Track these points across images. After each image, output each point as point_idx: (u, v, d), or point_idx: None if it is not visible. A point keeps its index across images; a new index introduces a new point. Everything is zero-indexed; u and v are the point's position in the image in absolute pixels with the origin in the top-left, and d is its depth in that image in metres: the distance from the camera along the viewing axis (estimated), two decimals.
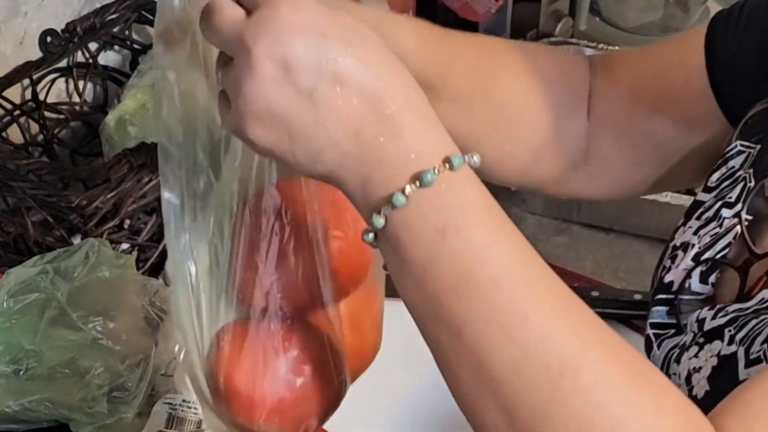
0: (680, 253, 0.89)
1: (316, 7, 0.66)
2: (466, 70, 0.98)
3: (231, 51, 0.67)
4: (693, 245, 0.88)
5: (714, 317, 0.81)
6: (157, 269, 1.31)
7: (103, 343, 1.10)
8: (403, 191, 0.65)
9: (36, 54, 1.40)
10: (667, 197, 1.41)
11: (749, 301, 0.79)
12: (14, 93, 1.39)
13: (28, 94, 1.42)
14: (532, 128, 0.99)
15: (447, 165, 0.65)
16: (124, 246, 1.28)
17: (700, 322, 0.82)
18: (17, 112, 1.39)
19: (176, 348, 0.84)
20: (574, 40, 1.68)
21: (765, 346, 0.74)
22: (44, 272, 1.12)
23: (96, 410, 1.08)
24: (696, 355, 0.81)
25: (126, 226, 1.28)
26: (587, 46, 1.68)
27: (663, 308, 0.87)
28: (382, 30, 0.87)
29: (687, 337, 0.83)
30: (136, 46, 1.49)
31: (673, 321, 0.85)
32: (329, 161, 0.66)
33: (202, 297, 0.82)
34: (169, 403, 1.09)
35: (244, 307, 0.81)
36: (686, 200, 1.41)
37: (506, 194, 1.51)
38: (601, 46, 1.67)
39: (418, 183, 0.65)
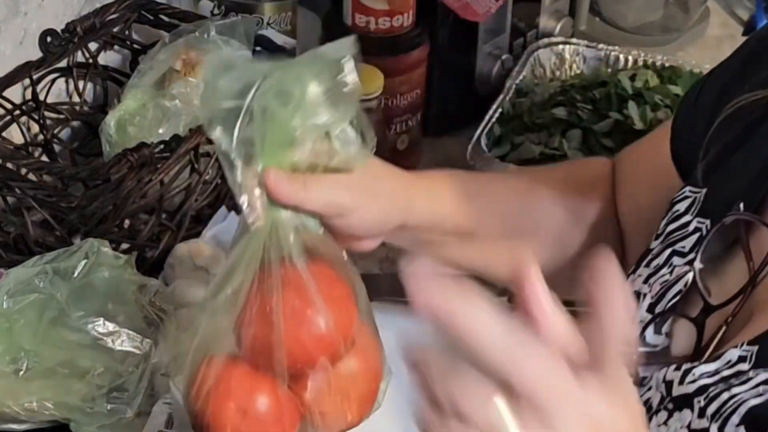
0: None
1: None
2: (502, 215, 1.03)
3: (532, 392, 0.58)
4: (644, 295, 0.87)
5: (681, 381, 0.80)
6: (156, 269, 1.30)
7: (102, 344, 1.10)
8: None
9: (36, 54, 1.40)
10: None
11: (714, 362, 0.78)
12: (14, 93, 1.39)
13: (28, 94, 1.42)
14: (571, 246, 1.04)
15: None
16: (124, 246, 1.28)
17: (668, 384, 0.81)
18: (17, 112, 1.39)
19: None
20: (574, 40, 1.68)
21: (741, 429, 0.73)
22: (44, 273, 1.12)
23: (96, 410, 1.08)
24: (666, 422, 0.80)
25: (126, 227, 1.28)
26: (587, 47, 1.68)
27: None
28: (418, 200, 0.97)
29: (653, 397, 0.82)
30: (136, 46, 1.49)
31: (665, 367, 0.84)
32: None
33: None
34: (169, 403, 1.09)
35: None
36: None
37: None
38: (601, 46, 1.67)
39: None
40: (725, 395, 0.75)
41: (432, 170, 1.04)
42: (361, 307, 0.87)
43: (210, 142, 1.29)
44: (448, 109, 1.62)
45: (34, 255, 1.19)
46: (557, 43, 1.67)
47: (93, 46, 1.47)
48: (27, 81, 1.40)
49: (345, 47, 0.85)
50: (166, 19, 1.47)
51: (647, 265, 0.90)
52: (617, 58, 1.66)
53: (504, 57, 1.62)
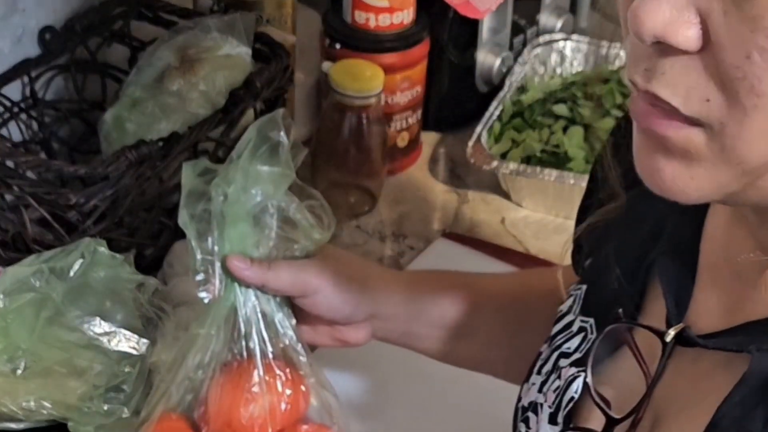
0: (531, 415, 0.85)
1: None
2: (494, 309, 1.06)
3: None
4: (542, 405, 0.85)
5: None
6: (155, 267, 1.30)
7: (98, 344, 1.10)
8: None
9: (35, 51, 1.40)
10: None
11: None
12: (13, 90, 1.39)
13: (27, 92, 1.41)
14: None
15: None
16: (123, 243, 1.28)
17: None
18: (16, 109, 1.39)
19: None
20: (575, 37, 1.68)
21: None
22: (40, 272, 1.11)
23: (93, 410, 1.08)
24: None
25: (124, 224, 1.27)
26: (588, 43, 1.67)
27: None
28: (393, 287, 1.03)
29: None
30: (135, 43, 1.49)
31: None
32: None
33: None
34: None
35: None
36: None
37: (506, 192, 1.51)
38: (602, 43, 1.67)
39: None
40: None
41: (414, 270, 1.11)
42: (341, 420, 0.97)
43: (209, 139, 1.29)
44: (449, 106, 1.61)
45: (32, 253, 1.19)
46: (558, 40, 1.67)
47: (92, 43, 1.47)
48: (26, 78, 1.40)
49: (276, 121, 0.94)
50: (165, 16, 1.46)
51: (539, 372, 0.87)
52: (618, 55, 1.65)
53: (504, 54, 1.62)
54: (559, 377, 0.83)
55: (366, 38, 1.49)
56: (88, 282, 1.12)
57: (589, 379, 0.77)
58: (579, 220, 0.94)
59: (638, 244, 0.82)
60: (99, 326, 1.11)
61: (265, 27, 1.47)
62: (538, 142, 1.50)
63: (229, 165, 0.92)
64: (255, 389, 0.92)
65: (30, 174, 1.28)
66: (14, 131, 1.39)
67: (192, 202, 0.91)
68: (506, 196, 1.51)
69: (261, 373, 0.92)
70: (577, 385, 0.81)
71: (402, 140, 1.55)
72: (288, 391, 0.94)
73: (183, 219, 0.92)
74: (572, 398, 0.81)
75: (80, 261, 1.13)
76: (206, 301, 0.93)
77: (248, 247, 0.93)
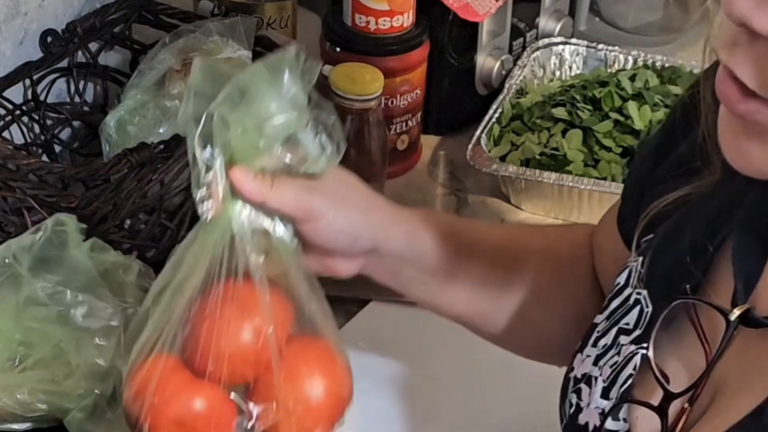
0: (584, 386, 0.86)
1: None
2: (489, 260, 1.02)
3: None
4: (596, 378, 0.85)
5: None
6: (156, 269, 1.30)
7: (70, 318, 1.09)
8: None
9: (36, 54, 1.40)
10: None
11: None
12: (15, 93, 1.39)
13: (29, 95, 1.42)
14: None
15: None
16: (124, 246, 1.28)
17: None
18: (18, 112, 1.40)
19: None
20: (574, 41, 1.68)
21: None
22: (8, 249, 1.11)
23: (87, 404, 1.08)
24: None
25: (126, 227, 1.28)
26: (587, 47, 1.68)
27: None
28: (395, 228, 0.97)
29: None
30: (136, 46, 1.49)
31: None
32: None
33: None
34: None
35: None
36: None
37: (506, 195, 1.51)
38: (601, 46, 1.68)
39: None
40: None
41: (415, 208, 1.03)
42: (328, 332, 0.89)
43: None
44: (448, 109, 1.62)
45: None
46: (557, 44, 1.67)
47: (93, 46, 1.47)
48: (27, 81, 1.41)
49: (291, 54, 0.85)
50: (166, 19, 1.47)
51: (594, 345, 0.87)
52: (617, 59, 1.66)
53: (504, 57, 1.62)
54: (618, 354, 0.84)
55: (366, 41, 1.50)
56: (55, 254, 1.11)
57: (650, 353, 0.79)
58: (641, 191, 0.93)
59: (709, 219, 0.82)
60: (66, 297, 1.09)
61: (265, 30, 1.48)
62: (537, 145, 1.50)
63: (243, 76, 0.83)
64: (241, 314, 0.85)
65: (32, 176, 1.29)
66: (16, 134, 1.40)
67: (198, 103, 0.83)
68: (506, 198, 1.51)
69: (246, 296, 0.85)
70: (636, 361, 0.82)
71: (402, 143, 1.55)
72: (272, 313, 0.86)
73: (185, 120, 0.83)
74: (630, 374, 0.82)
75: (41, 234, 1.11)
76: (207, 218, 0.85)
77: (252, 160, 0.85)
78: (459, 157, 1.56)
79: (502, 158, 1.51)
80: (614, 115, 1.50)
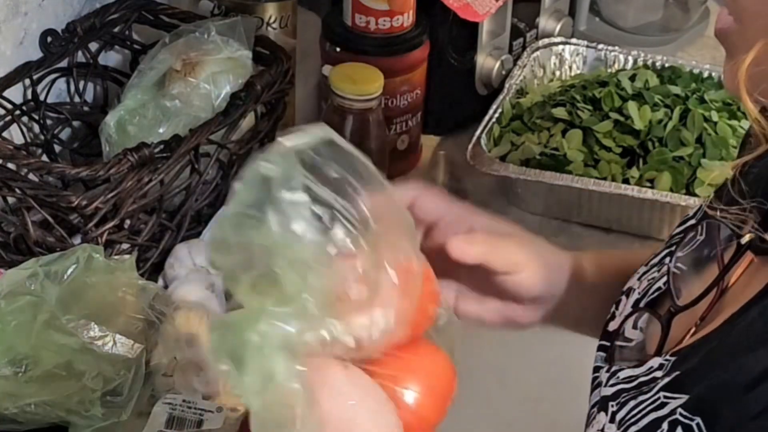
0: (623, 298, 0.89)
1: None
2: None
3: None
4: (634, 290, 0.88)
5: (606, 383, 0.81)
6: (156, 269, 1.31)
7: (95, 349, 1.10)
8: None
9: (36, 54, 1.40)
10: (667, 197, 1.41)
11: (639, 368, 0.79)
12: (15, 93, 1.39)
13: (29, 94, 1.42)
14: None
15: None
16: (124, 246, 1.28)
17: (597, 385, 0.83)
18: (18, 112, 1.39)
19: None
20: (574, 41, 1.68)
21: None
22: (35, 275, 1.11)
23: (92, 413, 1.08)
24: (589, 423, 0.82)
25: (126, 227, 1.28)
26: (587, 47, 1.68)
27: (601, 354, 0.88)
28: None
29: (592, 396, 0.83)
30: (136, 46, 1.50)
31: (607, 366, 0.86)
32: None
33: None
34: (169, 403, 1.09)
35: None
36: (686, 200, 1.41)
37: (506, 195, 1.51)
38: (601, 46, 1.68)
39: None
40: (632, 402, 0.77)
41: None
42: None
43: (210, 141, 1.29)
44: (448, 109, 1.62)
45: (34, 255, 1.19)
46: (557, 44, 1.67)
47: (93, 46, 1.47)
48: (27, 81, 1.41)
49: None
50: (166, 19, 1.47)
51: (646, 264, 0.91)
52: (617, 59, 1.66)
53: (504, 57, 1.62)
54: (658, 271, 0.87)
55: (366, 41, 1.50)
56: (82, 287, 1.12)
57: (671, 264, 0.83)
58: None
59: None
60: (92, 330, 1.10)
61: (265, 30, 1.48)
62: (537, 145, 1.50)
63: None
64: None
65: (32, 176, 1.29)
66: (16, 134, 1.40)
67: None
68: (506, 198, 1.51)
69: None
70: (664, 279, 0.85)
71: (402, 143, 1.55)
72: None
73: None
74: (659, 288, 0.86)
75: (74, 266, 1.12)
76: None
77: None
78: (459, 157, 1.56)
79: (502, 158, 1.51)
80: (614, 115, 1.50)
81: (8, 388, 1.08)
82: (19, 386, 1.08)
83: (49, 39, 1.41)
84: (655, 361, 0.79)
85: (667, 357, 0.78)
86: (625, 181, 1.46)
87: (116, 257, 1.22)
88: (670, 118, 1.50)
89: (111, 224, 1.24)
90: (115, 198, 1.22)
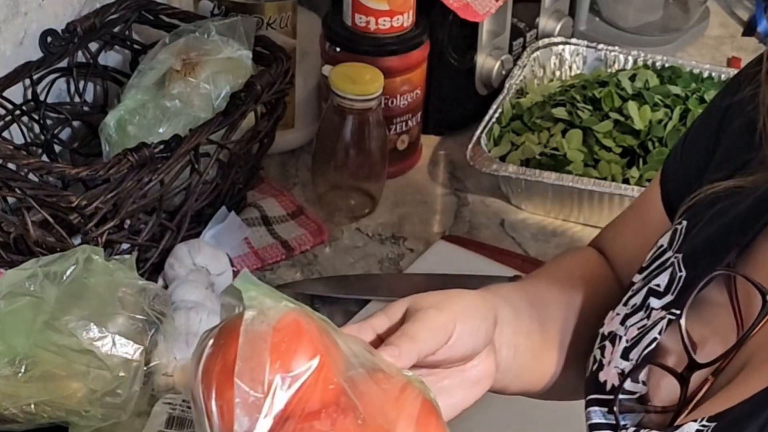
0: (608, 345, 0.86)
1: None
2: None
3: None
4: (620, 338, 0.85)
5: None
6: (157, 269, 1.31)
7: (94, 349, 1.09)
8: None
9: (36, 54, 1.40)
10: None
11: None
12: (15, 93, 1.39)
13: (29, 94, 1.42)
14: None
15: None
16: (124, 246, 1.28)
17: None
18: (18, 112, 1.40)
19: None
20: (574, 41, 1.68)
21: None
22: (34, 275, 1.11)
23: (92, 413, 1.08)
24: None
25: (126, 227, 1.28)
26: (587, 47, 1.68)
27: (600, 409, 0.84)
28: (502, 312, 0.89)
29: None
30: (136, 46, 1.50)
31: (612, 422, 0.83)
32: None
33: None
34: (169, 403, 1.09)
35: None
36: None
37: (506, 195, 1.51)
38: (601, 46, 1.68)
39: None
40: None
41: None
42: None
43: (210, 141, 1.29)
44: (448, 109, 1.62)
45: (34, 255, 1.19)
46: (557, 44, 1.67)
47: (93, 46, 1.47)
48: (27, 81, 1.41)
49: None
50: (166, 19, 1.47)
51: (625, 304, 0.87)
52: (617, 59, 1.66)
53: (504, 57, 1.63)
54: (648, 317, 0.84)
55: (366, 41, 1.50)
56: (82, 287, 1.11)
57: (683, 321, 0.79)
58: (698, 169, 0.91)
59: (759, 201, 0.82)
60: (92, 332, 1.10)
61: (265, 30, 1.48)
62: (537, 145, 1.50)
63: None
64: None
65: (32, 176, 1.29)
66: (16, 134, 1.40)
67: None
68: (506, 198, 1.51)
69: None
70: (662, 326, 0.82)
71: (402, 143, 1.55)
72: None
73: None
74: (654, 338, 0.82)
75: (73, 267, 1.12)
76: None
77: None
78: (459, 157, 1.56)
79: (502, 158, 1.51)
80: (614, 115, 1.50)
81: (8, 389, 1.08)
82: (18, 386, 1.08)
83: (49, 39, 1.41)
84: (691, 427, 0.76)
85: (704, 423, 0.75)
86: (625, 181, 1.46)
87: (116, 257, 1.22)
88: (670, 118, 1.50)
89: (111, 224, 1.24)
90: (115, 198, 1.22)
